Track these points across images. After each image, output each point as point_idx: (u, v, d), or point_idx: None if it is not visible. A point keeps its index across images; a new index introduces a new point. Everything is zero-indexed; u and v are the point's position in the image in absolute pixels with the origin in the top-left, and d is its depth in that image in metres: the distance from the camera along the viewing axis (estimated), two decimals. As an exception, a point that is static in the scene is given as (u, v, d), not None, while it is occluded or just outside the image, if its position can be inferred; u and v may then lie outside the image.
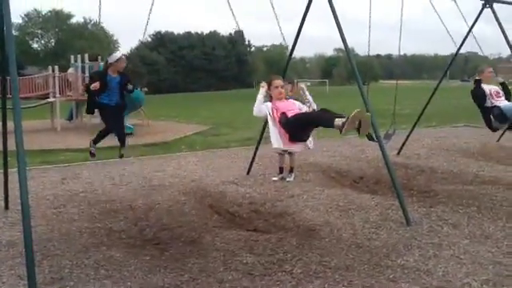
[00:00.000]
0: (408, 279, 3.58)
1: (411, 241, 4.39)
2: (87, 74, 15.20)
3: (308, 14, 6.29)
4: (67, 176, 7.40)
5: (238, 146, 10.84)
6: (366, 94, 5.37)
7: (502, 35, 7.05)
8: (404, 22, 6.97)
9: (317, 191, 6.24)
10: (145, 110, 15.85)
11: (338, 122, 4.25)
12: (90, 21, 63.31)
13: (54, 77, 15.09)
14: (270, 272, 3.71)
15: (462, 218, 5.03)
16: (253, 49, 78.28)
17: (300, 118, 4.55)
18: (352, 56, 5.59)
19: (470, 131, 12.90)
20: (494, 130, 6.61)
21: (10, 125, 4.03)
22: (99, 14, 5.37)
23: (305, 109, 4.80)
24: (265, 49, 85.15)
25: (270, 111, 4.74)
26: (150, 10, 5.44)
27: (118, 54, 6.26)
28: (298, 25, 6.45)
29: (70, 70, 15.85)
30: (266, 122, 7.05)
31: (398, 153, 8.87)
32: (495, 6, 7.03)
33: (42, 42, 63.20)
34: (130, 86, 6.16)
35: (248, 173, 7.37)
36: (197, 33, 71.89)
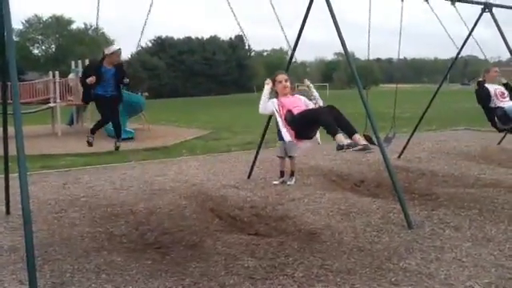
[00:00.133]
0: (410, 282, 3.57)
1: (413, 244, 4.38)
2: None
3: (308, 18, 6.31)
4: (68, 181, 7.40)
5: (238, 150, 10.85)
6: (366, 98, 5.37)
7: (501, 39, 7.08)
8: (404, 26, 6.98)
9: (318, 195, 6.24)
10: (145, 114, 15.88)
11: (340, 138, 4.22)
12: (91, 26, 63.51)
13: (54, 82, 15.12)
14: (272, 276, 3.70)
15: (464, 220, 5.02)
16: (253, 53, 78.41)
17: (305, 115, 4.45)
18: (352, 60, 5.60)
19: (471, 134, 12.90)
20: (498, 130, 6.58)
21: (11, 130, 4.04)
22: (97, 19, 5.37)
23: (311, 105, 4.71)
24: (265, 53, 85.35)
25: (277, 107, 4.63)
26: (147, 16, 5.45)
27: (114, 47, 6.22)
28: (298, 29, 6.48)
29: (71, 76, 15.87)
30: (267, 126, 7.11)
31: (399, 156, 8.87)
32: (494, 9, 7.07)
33: (43, 47, 63.42)
34: (126, 80, 6.16)
35: (249, 177, 7.37)
36: (197, 38, 72.07)
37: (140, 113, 15.15)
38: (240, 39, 71.24)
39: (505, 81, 6.74)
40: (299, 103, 4.76)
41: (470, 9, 7.26)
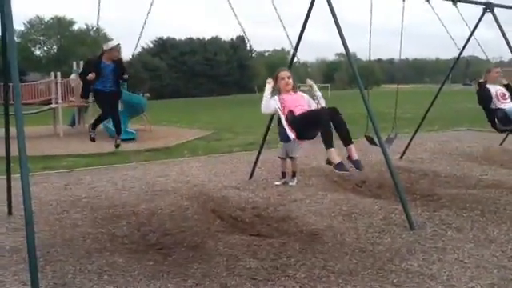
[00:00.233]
0: (412, 284, 3.57)
1: (415, 245, 4.38)
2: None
3: (309, 18, 6.31)
4: (70, 181, 7.41)
5: (240, 150, 10.85)
6: (368, 99, 5.37)
7: (503, 39, 7.07)
8: (405, 27, 6.98)
9: (319, 196, 6.23)
10: (147, 115, 15.89)
11: (333, 155, 4.21)
12: (92, 27, 63.50)
13: (56, 83, 15.14)
14: (274, 277, 3.70)
15: (466, 221, 5.01)
16: (254, 54, 78.40)
17: (307, 116, 4.38)
18: (353, 61, 5.59)
19: (473, 135, 12.88)
20: (499, 131, 6.57)
21: (13, 131, 4.04)
22: (97, 19, 5.37)
23: (314, 105, 4.63)
24: (266, 54, 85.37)
25: (279, 105, 4.53)
26: (147, 16, 5.44)
27: (113, 43, 6.21)
28: (299, 30, 6.48)
29: (73, 77, 15.88)
30: (269, 127, 7.11)
31: (401, 157, 8.86)
32: (496, 9, 7.06)
33: (45, 48, 63.52)
34: (125, 76, 6.21)
35: (250, 177, 7.37)
36: (198, 38, 72.08)
37: (141, 113, 15.16)
38: (241, 40, 71.24)
39: (506, 82, 6.72)
40: (302, 101, 4.69)
41: (471, 9, 7.26)
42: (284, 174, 7.12)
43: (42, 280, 3.57)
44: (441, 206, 5.61)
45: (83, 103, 15.40)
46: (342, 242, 4.49)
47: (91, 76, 5.74)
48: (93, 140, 6.58)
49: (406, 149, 8.97)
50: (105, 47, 6.06)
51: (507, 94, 6.40)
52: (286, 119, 4.45)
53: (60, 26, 62.15)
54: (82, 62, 15.82)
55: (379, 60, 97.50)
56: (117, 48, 6.10)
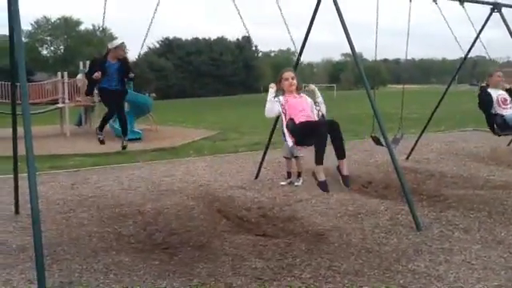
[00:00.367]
0: (419, 284, 3.55)
1: (421, 246, 4.36)
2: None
3: (315, 19, 6.30)
4: (77, 181, 7.45)
5: (245, 150, 10.85)
6: (374, 99, 5.35)
7: (510, 39, 7.02)
8: (412, 27, 6.95)
9: (325, 196, 6.19)
10: (153, 115, 15.93)
11: (319, 172, 4.33)
12: (99, 27, 63.77)
13: (63, 83, 15.21)
14: (279, 277, 3.70)
15: (473, 222, 4.98)
16: (260, 54, 78.45)
17: (306, 126, 4.37)
18: (359, 61, 5.58)
19: (480, 135, 12.79)
20: (496, 135, 6.56)
21: (20, 130, 4.07)
22: (103, 19, 5.40)
23: (315, 111, 4.61)
24: (272, 54, 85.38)
25: (281, 109, 4.50)
26: (152, 18, 5.47)
27: (117, 41, 6.21)
28: (305, 31, 6.48)
29: (79, 76, 15.95)
30: (275, 127, 7.10)
31: (407, 157, 8.82)
32: (503, 9, 7.01)
33: (52, 48, 63.87)
34: (131, 75, 6.18)
35: (256, 177, 7.37)
36: (204, 38, 72.21)
37: (147, 113, 15.21)
38: (247, 40, 71.25)
39: (508, 86, 6.64)
40: (305, 106, 4.60)
41: (479, 9, 7.21)
42: (289, 174, 7.12)
43: (49, 279, 3.58)
44: (448, 206, 5.59)
45: (90, 103, 15.47)
46: (348, 242, 4.48)
47: (97, 75, 5.74)
48: (102, 142, 6.51)
49: (413, 149, 8.93)
50: (109, 46, 6.08)
51: (508, 99, 6.35)
52: (287, 126, 4.45)
53: (67, 26, 62.47)
54: (88, 62, 15.92)
55: (385, 60, 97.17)
56: (121, 46, 6.11)
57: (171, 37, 70.80)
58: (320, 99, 4.67)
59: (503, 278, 3.65)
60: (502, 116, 6.13)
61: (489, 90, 6.41)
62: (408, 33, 7.05)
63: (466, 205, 5.58)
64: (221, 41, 71.73)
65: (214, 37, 71.66)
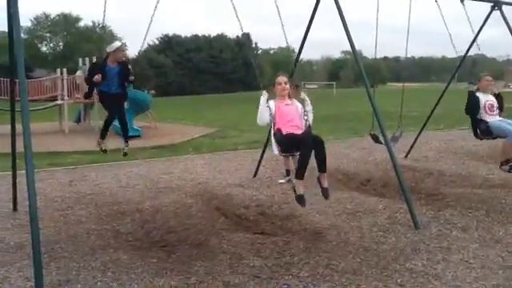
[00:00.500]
0: (416, 283, 3.55)
1: (419, 244, 4.36)
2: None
3: (315, 16, 6.29)
4: (75, 178, 7.44)
5: (244, 148, 10.84)
6: (373, 97, 5.35)
7: (510, 37, 7.01)
8: (412, 25, 6.93)
9: (324, 194, 6.21)
10: (152, 112, 15.91)
11: (298, 186, 4.39)
12: (98, 24, 63.63)
13: (62, 79, 15.19)
14: (277, 275, 3.70)
15: (471, 221, 4.99)
16: (260, 51, 78.27)
17: (292, 139, 4.47)
18: (359, 58, 5.58)
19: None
20: (479, 139, 6.61)
21: (19, 127, 4.06)
22: (103, 17, 5.35)
23: (303, 120, 4.67)
24: (272, 51, 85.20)
25: (272, 118, 4.57)
26: (152, 15, 5.43)
27: (116, 44, 6.01)
28: (305, 28, 6.47)
29: (78, 73, 15.92)
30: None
31: (406, 155, 8.82)
32: (504, 7, 7.01)
33: (51, 45, 63.73)
34: (131, 78, 6.08)
35: (255, 175, 7.37)
36: (204, 35, 72.06)
37: (147, 111, 15.19)
38: (247, 37, 71.11)
39: (497, 91, 6.63)
40: (294, 114, 4.65)
41: (480, 7, 7.21)
42: (288, 172, 7.11)
43: (46, 276, 3.58)
44: (446, 205, 5.59)
45: (88, 100, 15.43)
46: (346, 240, 4.48)
47: (97, 77, 5.61)
48: (104, 152, 6.30)
49: (412, 147, 8.93)
50: (108, 49, 5.93)
51: (495, 106, 6.37)
52: (274, 135, 4.55)
53: (66, 22, 62.32)
54: (87, 59, 15.89)
55: (385, 58, 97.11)
56: (121, 48, 5.99)
57: (171, 33, 70.67)
58: (309, 108, 4.72)
59: (501, 277, 3.66)
60: (487, 123, 6.20)
61: (478, 94, 6.42)
62: (408, 30, 7.04)
63: (464, 203, 5.58)
64: (220, 38, 71.56)
65: (213, 34, 71.54)
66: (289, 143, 4.46)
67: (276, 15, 5.41)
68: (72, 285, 3.58)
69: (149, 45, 63.62)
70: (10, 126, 5.40)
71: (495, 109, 6.34)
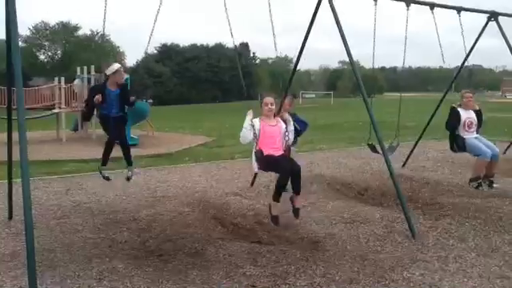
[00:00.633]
0: (413, 293, 3.54)
1: (417, 254, 4.35)
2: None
3: (313, 27, 6.33)
4: (71, 187, 7.41)
5: (242, 157, 10.81)
6: (371, 107, 5.37)
7: (507, 48, 7.07)
8: (409, 35, 6.96)
9: (321, 203, 6.21)
10: (150, 121, 15.92)
11: (275, 207, 4.79)
12: (97, 33, 63.94)
13: (60, 88, 15.19)
14: (274, 284, 3.68)
15: (469, 231, 4.98)
16: (258, 61, 78.54)
17: (271, 163, 4.75)
18: (357, 68, 5.61)
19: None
20: (453, 151, 6.94)
21: (16, 135, 4.04)
22: (103, 27, 5.34)
23: (284, 140, 4.91)
24: (270, 61, 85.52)
25: (256, 137, 4.80)
26: (154, 23, 5.41)
27: (114, 67, 5.86)
28: (303, 38, 6.50)
29: (76, 82, 15.94)
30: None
31: (403, 165, 8.83)
32: (500, 18, 7.07)
33: (49, 53, 63.86)
34: (132, 98, 6.00)
35: (252, 184, 7.35)
36: (202, 45, 72.36)
37: (144, 120, 15.19)
38: (245, 47, 71.45)
39: (478, 107, 6.92)
40: (277, 136, 4.88)
41: (477, 18, 7.27)
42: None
43: (41, 285, 3.56)
44: (443, 214, 5.58)
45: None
46: (343, 249, 4.46)
47: (98, 97, 5.50)
48: (107, 179, 6.13)
49: (409, 157, 8.95)
50: (107, 72, 5.81)
51: (474, 123, 6.68)
52: (255, 154, 4.79)
53: (65, 31, 62.52)
54: (86, 68, 15.92)
55: (382, 68, 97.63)
56: (120, 70, 5.88)
57: (169, 43, 70.93)
58: (290, 128, 4.96)
59: (498, 286, 3.64)
60: (464, 139, 6.54)
61: (460, 110, 6.69)
62: (405, 41, 7.07)
63: (461, 213, 5.58)
64: (218, 47, 71.83)
65: (211, 43, 71.79)
66: (268, 164, 4.76)
67: (274, 25, 5.45)
68: (67, 294, 3.56)
69: (147, 54, 63.80)
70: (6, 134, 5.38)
71: (473, 126, 6.69)
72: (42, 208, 5.99)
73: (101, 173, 6.06)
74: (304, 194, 6.66)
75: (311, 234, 4.94)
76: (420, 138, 9.00)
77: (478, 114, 6.85)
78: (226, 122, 24.19)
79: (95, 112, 6.14)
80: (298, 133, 6.98)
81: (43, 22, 62.48)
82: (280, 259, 4.16)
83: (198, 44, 72.76)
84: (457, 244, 4.60)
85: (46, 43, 62.84)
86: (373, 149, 7.09)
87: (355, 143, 12.61)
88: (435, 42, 6.91)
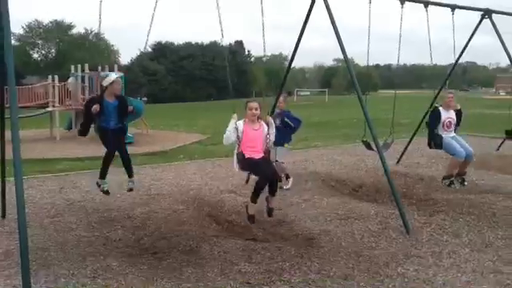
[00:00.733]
0: (408, 288, 3.56)
1: (411, 249, 4.37)
2: (86, 84, 15.21)
3: (307, 24, 6.33)
4: (65, 185, 7.37)
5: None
6: (365, 104, 5.38)
7: (501, 45, 7.11)
8: (403, 33, 6.98)
9: (316, 200, 6.22)
10: (144, 119, 15.87)
11: (251, 207, 4.86)
12: (91, 31, 63.64)
13: (53, 86, 15.11)
14: (269, 281, 3.68)
15: (462, 226, 5.01)
16: (252, 59, 78.48)
17: (251, 166, 4.92)
18: (351, 66, 5.62)
19: (469, 140, 12.85)
20: (429, 147, 7.06)
21: (9, 134, 4.02)
22: (99, 26, 5.30)
23: (265, 143, 5.05)
24: (264, 59, 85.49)
25: (238, 140, 4.96)
26: (152, 20, 5.39)
27: (111, 77, 5.63)
28: (297, 36, 6.51)
29: (70, 80, 15.86)
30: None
31: (398, 162, 8.86)
32: (494, 16, 7.11)
33: (43, 52, 63.50)
34: (130, 108, 5.72)
35: (247, 182, 7.33)
36: (197, 43, 72.22)
37: (139, 118, 15.14)
38: (239, 45, 71.44)
39: (459, 107, 7.05)
40: (258, 140, 5.02)
41: (472, 15, 7.31)
42: (280, 179, 7.10)
43: (35, 284, 3.54)
44: (437, 210, 5.61)
45: (80, 107, 15.37)
46: (338, 246, 4.47)
47: (96, 107, 5.25)
48: (106, 193, 5.76)
49: (403, 154, 8.98)
50: (104, 83, 5.53)
51: (453, 123, 6.85)
52: (237, 155, 4.95)
53: (59, 29, 62.18)
54: (80, 66, 15.84)
55: (377, 66, 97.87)
56: (118, 80, 5.62)
57: (164, 41, 70.73)
58: (272, 131, 5.10)
59: (492, 281, 3.67)
60: (441, 138, 6.70)
61: (441, 110, 6.83)
62: (400, 39, 7.08)
63: (455, 209, 5.61)
64: (213, 45, 71.70)
65: (206, 41, 71.64)
66: (248, 166, 4.93)
67: (269, 23, 5.45)
68: (61, 292, 3.54)
69: (142, 52, 63.59)
70: (-1, 133, 5.34)
71: (452, 126, 6.86)
72: (35, 206, 5.96)
73: (99, 186, 5.72)
74: (299, 191, 6.70)
75: (306, 230, 4.94)
76: (414, 134, 9.03)
77: (459, 113, 7.03)
78: (221, 119, 24.21)
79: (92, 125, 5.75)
80: (292, 130, 7.02)
81: (37, 20, 62.16)
82: (275, 256, 4.16)
83: (193, 42, 72.69)
84: (451, 239, 4.63)
85: (40, 41, 62.48)
86: (367, 146, 7.11)
87: (350, 140, 12.63)
88: (430, 39, 6.94)
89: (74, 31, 63.46)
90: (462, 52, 8.25)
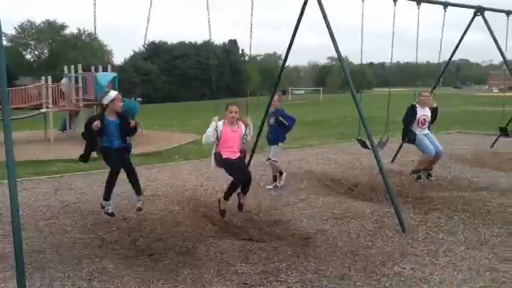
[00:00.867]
0: (404, 287, 3.56)
1: (407, 248, 4.37)
2: (80, 84, 15.13)
3: (301, 22, 6.33)
4: (60, 187, 7.33)
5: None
6: (359, 102, 5.39)
7: (493, 42, 7.14)
8: (397, 31, 6.99)
9: (312, 199, 6.22)
10: (139, 119, 15.81)
11: (224, 203, 5.16)
12: (84, 32, 63.39)
13: (47, 87, 15.02)
14: (265, 281, 3.67)
15: (458, 224, 5.02)
16: (246, 58, 78.43)
17: (227, 166, 5.12)
18: (345, 65, 5.63)
19: (464, 138, 12.96)
20: (403, 142, 7.35)
21: (1, 136, 3.99)
22: (94, 26, 5.26)
23: (242, 144, 5.27)
24: (258, 58, 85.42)
25: (217, 140, 5.19)
26: (148, 19, 5.36)
27: (112, 94, 5.29)
28: (291, 34, 6.50)
29: (64, 81, 15.78)
30: (261, 131, 7.14)
31: (393, 160, 8.88)
32: (486, 13, 7.14)
33: (36, 52, 63.15)
34: (132, 123, 5.43)
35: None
36: (190, 42, 72.07)
37: (134, 118, 15.09)
38: (233, 44, 71.33)
39: (435, 105, 7.26)
40: (235, 141, 5.22)
41: (464, 13, 7.33)
42: (275, 178, 7.11)
43: (31, 287, 3.51)
44: (432, 208, 5.62)
45: (74, 107, 15.31)
46: (334, 245, 4.47)
47: (97, 123, 4.97)
48: (111, 215, 5.31)
49: (398, 152, 8.99)
50: (105, 101, 5.23)
51: (427, 120, 7.11)
52: (215, 155, 5.17)
53: (51, 30, 61.85)
54: (73, 67, 15.75)
55: (371, 64, 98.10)
56: (118, 97, 5.32)
57: (157, 41, 70.52)
58: (249, 131, 5.30)
59: (488, 278, 3.68)
60: (415, 134, 6.98)
61: (417, 107, 7.05)
62: (393, 37, 7.09)
63: (450, 206, 5.63)
64: (207, 45, 71.56)
65: (200, 41, 71.49)
66: (225, 166, 5.16)
67: (263, 22, 5.44)
68: (56, 295, 3.52)
69: (135, 52, 63.42)
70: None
71: (426, 123, 7.15)
72: (30, 209, 5.92)
73: (103, 208, 5.33)
74: (294, 191, 6.69)
75: (302, 230, 4.94)
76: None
77: (434, 111, 7.24)
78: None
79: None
80: (286, 129, 7.02)
81: (29, 20, 61.82)
82: (271, 256, 4.16)
83: (187, 41, 72.50)
84: (446, 237, 4.64)
85: (32, 42, 62.14)
86: (363, 144, 7.12)
87: (345, 139, 12.65)
88: (423, 37, 6.97)
89: (67, 31, 63.20)
90: (455, 49, 8.29)
